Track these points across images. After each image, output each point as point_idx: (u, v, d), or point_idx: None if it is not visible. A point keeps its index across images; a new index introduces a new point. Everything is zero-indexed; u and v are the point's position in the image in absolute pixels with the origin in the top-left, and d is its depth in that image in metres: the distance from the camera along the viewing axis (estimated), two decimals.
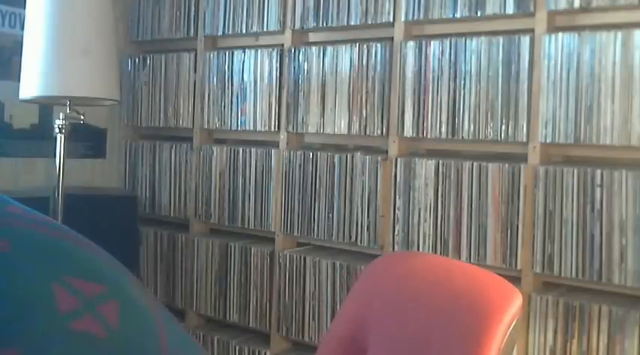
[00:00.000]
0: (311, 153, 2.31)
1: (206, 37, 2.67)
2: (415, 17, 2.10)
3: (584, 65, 1.80)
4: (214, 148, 2.60)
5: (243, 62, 2.52)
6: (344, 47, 2.24)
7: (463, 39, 2.00)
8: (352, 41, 2.26)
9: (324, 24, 2.30)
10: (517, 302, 1.28)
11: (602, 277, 1.75)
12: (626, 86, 1.73)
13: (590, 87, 1.79)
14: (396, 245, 2.11)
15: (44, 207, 2.35)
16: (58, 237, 0.40)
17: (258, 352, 2.43)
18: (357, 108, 2.21)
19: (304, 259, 2.31)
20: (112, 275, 0.38)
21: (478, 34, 2.00)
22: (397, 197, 2.11)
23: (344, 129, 2.24)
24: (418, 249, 2.07)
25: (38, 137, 2.68)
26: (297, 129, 2.37)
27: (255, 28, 2.49)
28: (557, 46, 1.84)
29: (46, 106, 2.66)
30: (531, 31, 1.90)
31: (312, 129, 2.33)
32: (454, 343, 1.24)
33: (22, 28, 2.37)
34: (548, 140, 1.85)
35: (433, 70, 2.05)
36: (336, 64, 2.26)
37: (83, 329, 0.34)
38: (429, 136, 2.07)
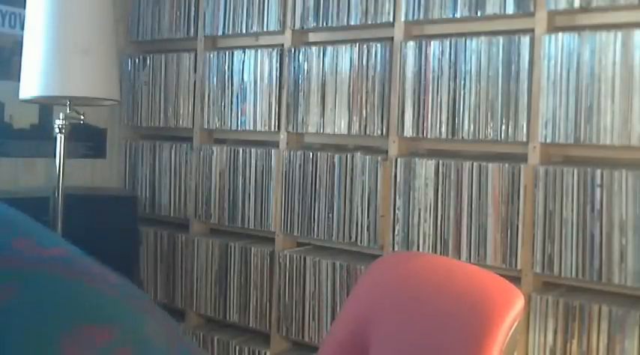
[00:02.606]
0: (311, 153, 2.31)
1: (206, 37, 2.67)
2: (415, 17, 2.10)
3: (584, 65, 1.80)
4: (214, 148, 2.60)
5: (243, 62, 2.52)
6: (344, 47, 2.24)
7: (463, 39, 2.00)
8: (352, 41, 2.26)
9: (324, 24, 2.30)
10: (519, 303, 1.28)
11: (602, 277, 1.75)
12: (626, 86, 1.73)
13: (590, 87, 1.79)
14: (396, 245, 2.11)
15: (44, 207, 2.35)
16: (70, 276, 0.37)
17: (258, 352, 2.43)
18: (357, 108, 2.21)
19: (304, 259, 2.31)
20: (127, 315, 0.36)
21: (478, 34, 2.00)
22: (397, 197, 2.11)
23: (344, 129, 2.24)
24: (418, 249, 2.07)
25: (38, 137, 2.68)
26: (297, 129, 2.37)
27: (255, 28, 2.49)
28: (557, 46, 1.84)
29: (46, 106, 2.65)
30: (531, 31, 1.90)
31: (312, 129, 2.33)
32: (456, 344, 1.24)
33: (22, 28, 2.37)
34: (548, 140, 1.86)
35: (433, 70, 2.05)
36: (336, 64, 2.26)
37: None
38: (429, 136, 2.07)
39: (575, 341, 1.78)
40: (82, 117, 2.27)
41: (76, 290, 0.36)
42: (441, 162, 2.03)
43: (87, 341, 0.33)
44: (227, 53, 2.57)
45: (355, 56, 2.22)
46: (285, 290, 2.36)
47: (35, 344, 0.31)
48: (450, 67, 2.02)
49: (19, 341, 0.31)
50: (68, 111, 2.26)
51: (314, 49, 2.32)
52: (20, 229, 0.37)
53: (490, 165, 1.94)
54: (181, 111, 2.73)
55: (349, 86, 2.23)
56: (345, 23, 2.25)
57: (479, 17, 1.99)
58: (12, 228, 0.36)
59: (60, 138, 2.25)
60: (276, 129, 2.42)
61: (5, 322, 0.32)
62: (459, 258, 1.98)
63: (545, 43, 1.86)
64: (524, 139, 1.90)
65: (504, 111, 1.93)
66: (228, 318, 2.53)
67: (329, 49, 2.28)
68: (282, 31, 2.43)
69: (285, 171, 2.38)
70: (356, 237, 2.20)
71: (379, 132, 2.16)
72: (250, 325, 2.47)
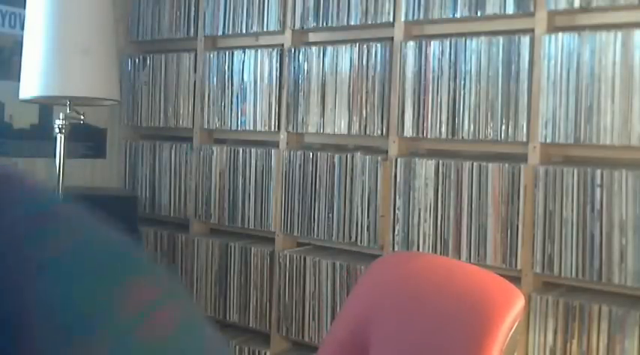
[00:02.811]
0: (311, 153, 2.31)
1: (206, 37, 2.67)
2: (415, 17, 2.10)
3: (584, 65, 1.80)
4: (214, 148, 2.60)
5: (243, 62, 2.52)
6: (344, 47, 2.24)
7: (463, 39, 2.00)
8: (352, 41, 2.26)
9: (324, 24, 2.30)
10: (519, 303, 1.28)
11: (602, 277, 1.75)
12: (626, 86, 1.73)
13: (590, 87, 1.79)
14: (396, 245, 2.11)
15: None
16: (111, 238, 0.40)
17: (258, 352, 2.43)
18: (357, 108, 2.21)
19: (304, 259, 2.31)
20: (165, 277, 0.39)
21: (478, 34, 2.00)
22: (397, 197, 2.11)
23: (344, 129, 2.24)
24: (418, 249, 2.07)
25: (38, 137, 2.68)
26: (297, 129, 2.37)
27: (255, 28, 2.49)
28: (557, 46, 1.84)
29: (46, 106, 2.65)
30: (531, 31, 1.90)
31: (312, 129, 2.33)
32: (456, 344, 1.24)
33: (22, 28, 2.37)
34: (548, 140, 1.86)
35: (433, 70, 2.05)
36: (336, 64, 2.26)
37: (145, 335, 0.34)
38: (429, 136, 2.07)
39: (575, 341, 1.78)
40: (82, 117, 2.28)
41: (119, 250, 0.39)
42: (441, 162, 2.03)
43: (134, 297, 0.35)
44: (227, 53, 2.57)
45: (355, 56, 2.22)
46: (285, 290, 2.36)
47: (90, 297, 0.33)
48: (450, 67, 2.02)
49: (84, 287, 0.34)
50: (68, 111, 2.26)
51: (314, 49, 2.32)
52: (59, 199, 0.41)
53: (490, 165, 1.94)
54: (181, 111, 2.73)
55: (349, 86, 2.23)
56: (345, 23, 2.25)
57: (479, 17, 1.99)
58: (51, 196, 0.40)
59: (60, 138, 2.25)
60: (276, 129, 2.42)
61: (74, 267, 0.35)
62: (459, 258, 1.98)
63: (545, 43, 1.86)
64: (524, 139, 1.90)
65: (504, 111, 1.93)
66: (228, 318, 2.53)
67: (329, 49, 2.28)
68: (282, 31, 2.43)
69: (285, 171, 2.38)
70: (356, 237, 2.20)
71: (379, 132, 2.16)
72: (250, 325, 2.47)
